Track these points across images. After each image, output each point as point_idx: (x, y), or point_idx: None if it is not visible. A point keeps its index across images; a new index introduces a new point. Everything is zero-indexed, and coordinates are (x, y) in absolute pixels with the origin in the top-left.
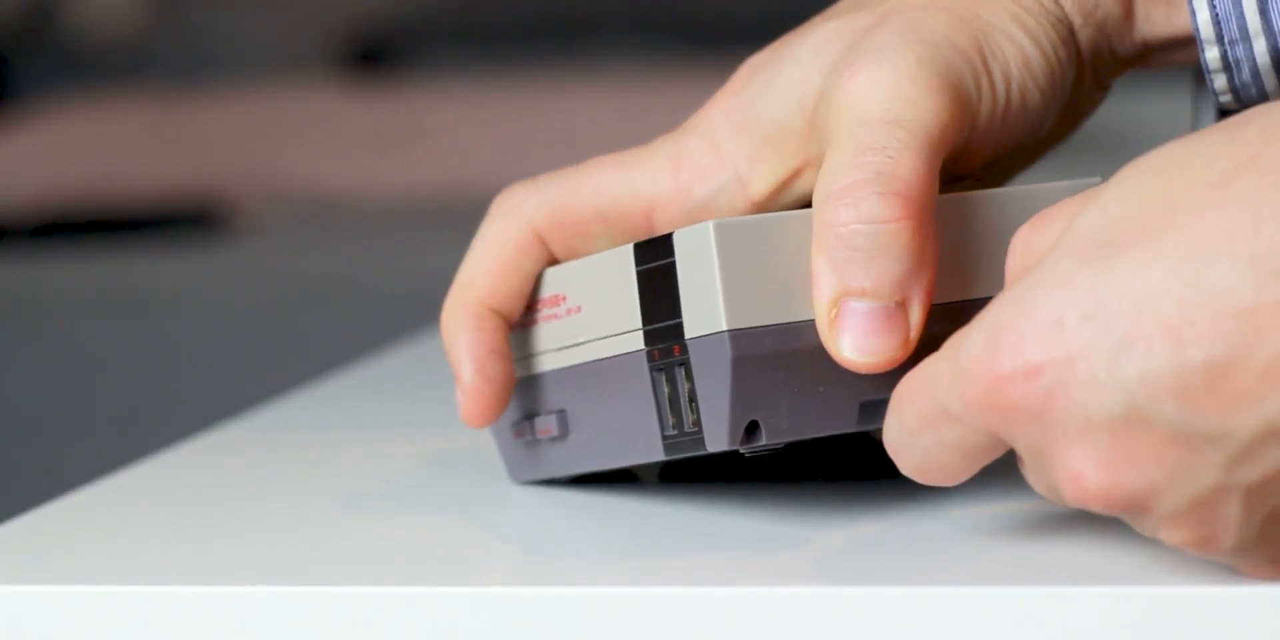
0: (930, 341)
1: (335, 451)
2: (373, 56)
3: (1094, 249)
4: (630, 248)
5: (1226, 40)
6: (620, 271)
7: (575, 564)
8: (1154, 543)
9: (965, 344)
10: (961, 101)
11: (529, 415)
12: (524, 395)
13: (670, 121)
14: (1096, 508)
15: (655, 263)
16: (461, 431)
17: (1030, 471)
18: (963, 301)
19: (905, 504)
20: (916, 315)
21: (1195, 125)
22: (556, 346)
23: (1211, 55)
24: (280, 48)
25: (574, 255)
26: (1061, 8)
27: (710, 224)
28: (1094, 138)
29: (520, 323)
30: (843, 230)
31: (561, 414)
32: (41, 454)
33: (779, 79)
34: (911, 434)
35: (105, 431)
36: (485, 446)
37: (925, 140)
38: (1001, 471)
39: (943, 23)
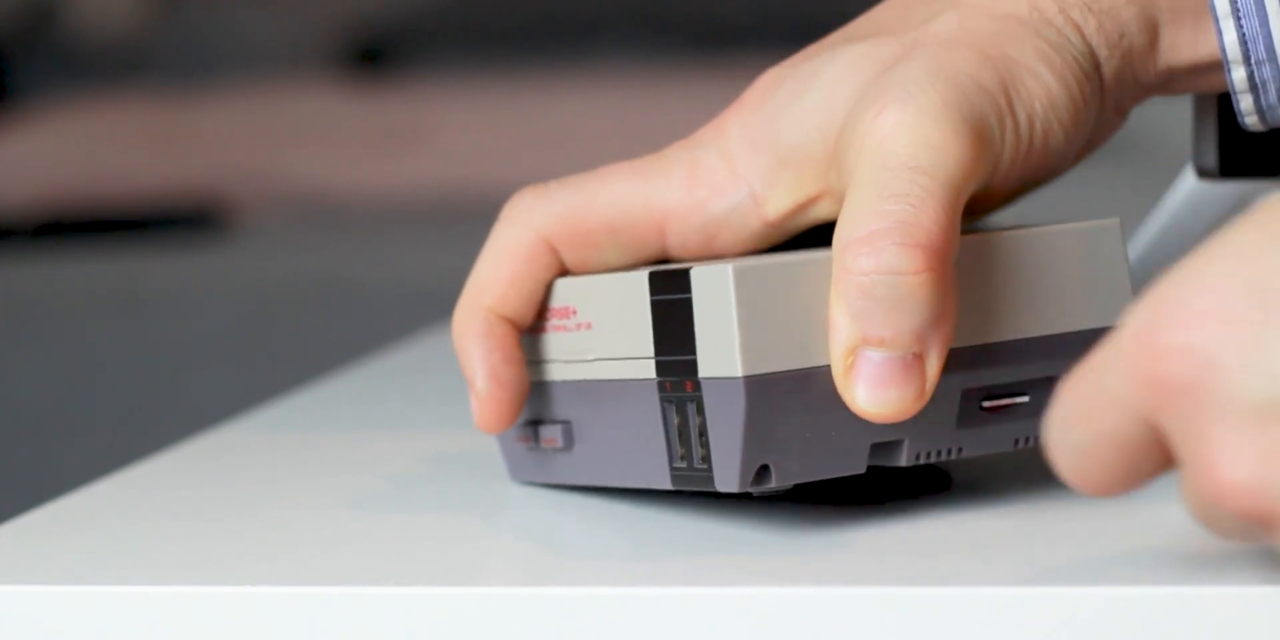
0: (947, 387)
1: (335, 451)
2: (373, 56)
3: (1276, 223)
4: (645, 275)
5: (1253, 61)
6: (634, 297)
7: (575, 564)
8: (1151, 542)
9: (1131, 317)
10: (985, 145)
11: (533, 420)
12: (529, 400)
13: (670, 121)
14: (1229, 507)
15: (671, 296)
16: (461, 431)
17: (1182, 478)
18: (982, 345)
19: (904, 505)
20: (933, 366)
21: (1196, 128)
22: (565, 358)
23: (1238, 76)
24: (280, 48)
25: (584, 264)
26: (1087, 41)
27: (729, 267)
28: None
29: (529, 328)
30: (863, 280)
31: (567, 425)
32: (41, 454)
33: (801, 101)
34: (1070, 426)
35: (105, 431)
36: (485, 446)
37: (948, 188)
38: (1000, 472)
39: (970, 61)
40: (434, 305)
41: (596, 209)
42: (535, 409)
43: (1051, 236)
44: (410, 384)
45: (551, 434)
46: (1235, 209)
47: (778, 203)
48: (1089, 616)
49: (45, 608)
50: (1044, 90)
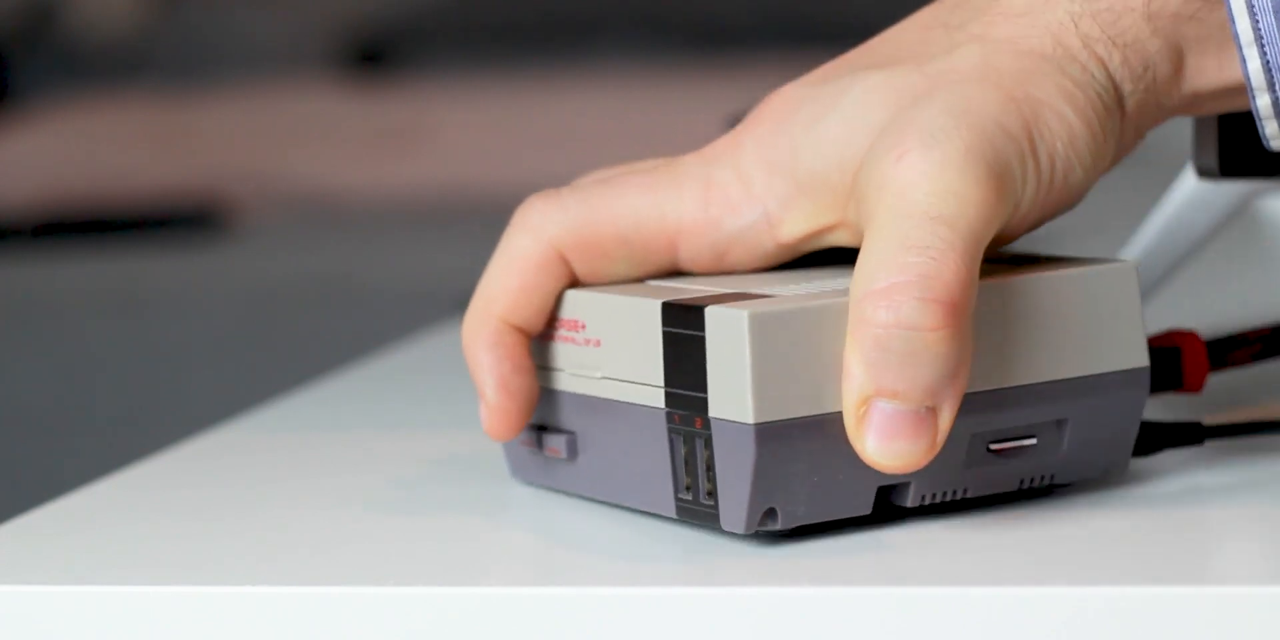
0: (956, 431)
1: (335, 452)
2: (373, 56)
3: None
4: (659, 305)
5: (1278, 88)
6: (645, 324)
7: (576, 564)
8: (1152, 543)
9: None
10: (1006, 191)
11: (537, 425)
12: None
13: (670, 121)
14: None
15: (684, 330)
16: (462, 431)
17: None
18: (993, 390)
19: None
20: (945, 420)
21: (1196, 128)
22: (572, 369)
23: (1263, 102)
24: (280, 48)
25: (593, 274)
26: (1110, 76)
27: (745, 314)
28: None
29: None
30: (880, 333)
31: (572, 437)
32: (41, 454)
33: (820, 128)
34: None
35: (105, 431)
36: (485, 447)
37: (969, 239)
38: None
39: (994, 102)
40: (434, 305)
41: (610, 220)
42: (540, 414)
43: (1066, 280)
44: (410, 384)
45: (555, 444)
46: (1235, 209)
47: (793, 227)
48: (1089, 616)
49: (45, 608)
50: (1066, 130)
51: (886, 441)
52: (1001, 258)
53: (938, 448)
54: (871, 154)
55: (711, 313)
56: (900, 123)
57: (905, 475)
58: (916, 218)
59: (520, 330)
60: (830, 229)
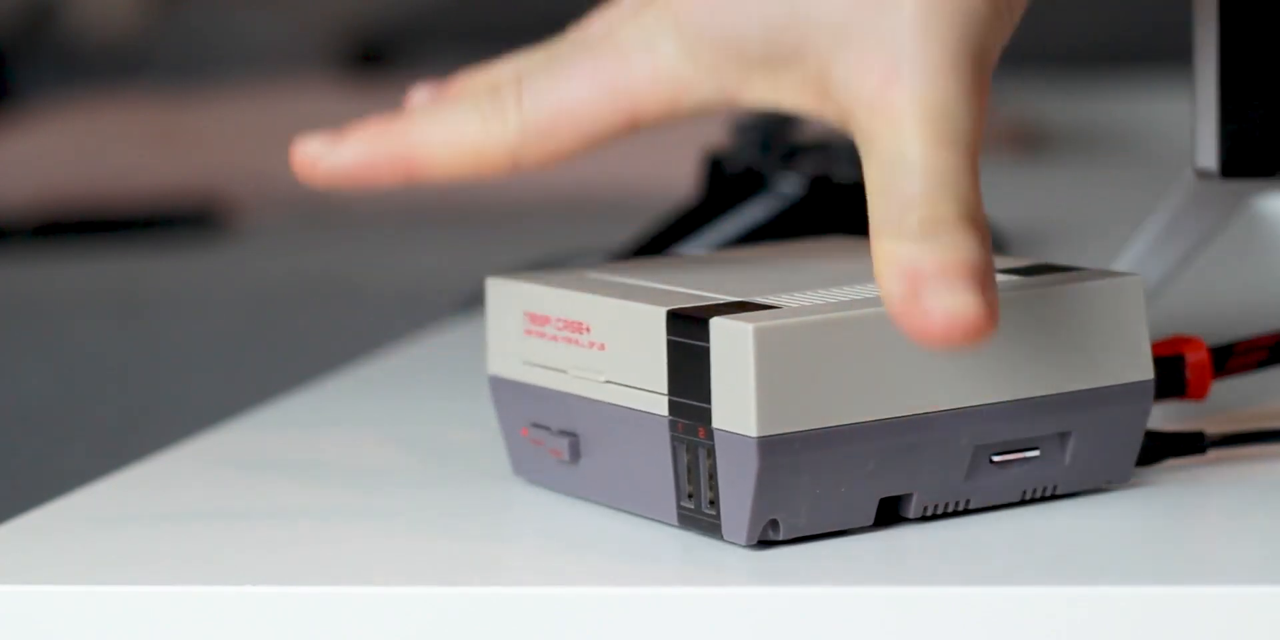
0: (959, 443)
1: (336, 451)
2: (373, 56)
3: None
4: (664, 312)
5: None
6: (650, 331)
7: (578, 564)
8: (1151, 543)
9: None
10: (989, 68)
11: (539, 423)
12: (537, 402)
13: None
14: None
15: (688, 340)
16: (462, 432)
17: None
18: (1001, 402)
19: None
20: (993, 279)
21: (1196, 128)
22: (575, 372)
23: None
24: (280, 48)
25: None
26: None
27: (750, 328)
28: (1096, 138)
29: (537, 332)
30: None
31: (574, 439)
32: (41, 454)
33: (765, 17)
34: None
35: (105, 431)
36: (486, 447)
37: (971, 149)
38: None
39: None
40: (434, 305)
41: (569, 122)
42: (543, 412)
43: (1072, 294)
44: (410, 384)
45: (558, 446)
46: (1235, 209)
47: (751, 100)
48: (1089, 616)
49: (45, 608)
50: None
51: (949, 298)
52: (1009, 268)
53: (997, 308)
54: (847, 66)
55: (716, 324)
56: (874, 37)
57: (906, 485)
58: (923, 146)
59: None
60: (790, 102)
